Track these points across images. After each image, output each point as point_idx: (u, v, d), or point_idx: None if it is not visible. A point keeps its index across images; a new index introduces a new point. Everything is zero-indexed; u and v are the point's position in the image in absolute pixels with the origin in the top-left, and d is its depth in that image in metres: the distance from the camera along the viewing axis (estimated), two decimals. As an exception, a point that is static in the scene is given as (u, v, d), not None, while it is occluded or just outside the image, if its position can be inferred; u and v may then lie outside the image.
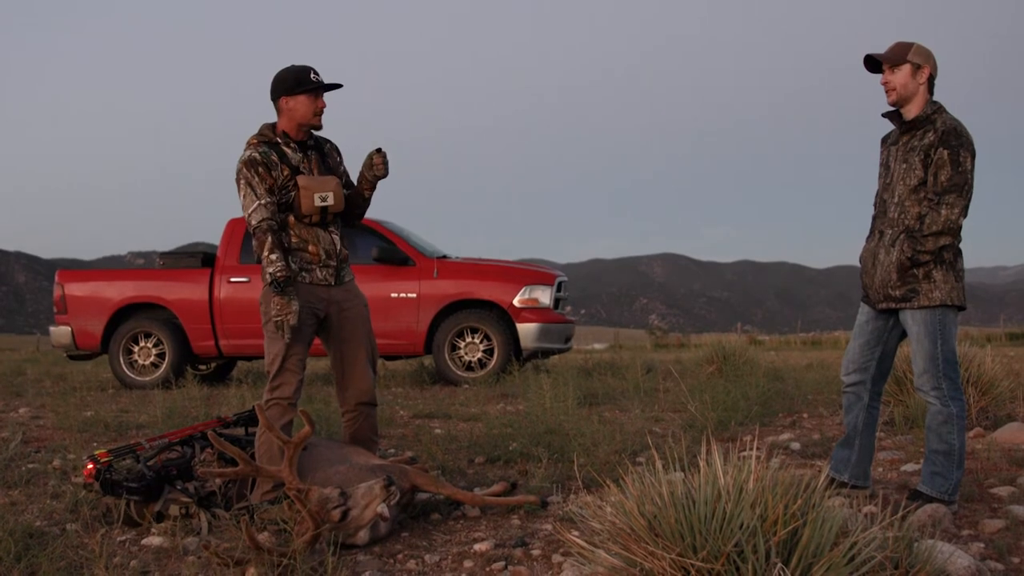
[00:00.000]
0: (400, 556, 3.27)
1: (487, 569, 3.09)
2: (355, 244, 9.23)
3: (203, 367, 10.79)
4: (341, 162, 4.22)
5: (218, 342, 9.77)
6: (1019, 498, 3.83)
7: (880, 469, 4.58)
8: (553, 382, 6.05)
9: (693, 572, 2.23)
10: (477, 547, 3.30)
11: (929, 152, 3.59)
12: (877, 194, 3.85)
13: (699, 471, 2.44)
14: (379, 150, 4.06)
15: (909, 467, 4.54)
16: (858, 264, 3.92)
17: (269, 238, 3.80)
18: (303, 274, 3.95)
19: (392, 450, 5.25)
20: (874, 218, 3.85)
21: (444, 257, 9.98)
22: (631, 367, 8.96)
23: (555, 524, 3.51)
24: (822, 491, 2.40)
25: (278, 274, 3.75)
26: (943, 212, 3.52)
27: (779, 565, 2.17)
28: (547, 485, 4.15)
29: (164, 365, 9.80)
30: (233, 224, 9.84)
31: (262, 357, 8.37)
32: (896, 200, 3.69)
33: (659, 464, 2.56)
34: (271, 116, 4.05)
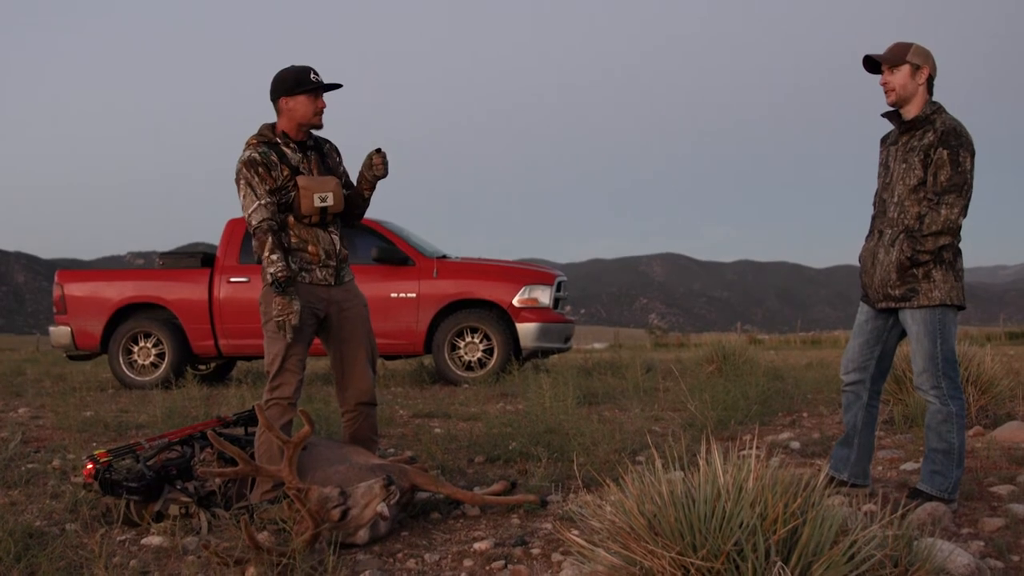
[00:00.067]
0: (400, 555, 3.27)
1: (487, 568, 3.09)
2: (355, 244, 9.23)
3: (203, 367, 10.79)
4: (340, 162, 4.22)
5: (218, 342, 9.78)
6: (1019, 496, 3.83)
7: (880, 468, 4.58)
8: (553, 381, 6.05)
9: (693, 571, 2.23)
10: (477, 546, 3.30)
11: (929, 152, 3.59)
12: (876, 194, 3.85)
13: (699, 470, 2.44)
14: (379, 150, 4.06)
15: (909, 466, 4.54)
16: (858, 264, 3.93)
17: (269, 238, 3.80)
18: (303, 274, 3.95)
19: (392, 449, 5.25)
20: (873, 218, 3.86)
21: (444, 257, 9.98)
22: (631, 366, 8.96)
23: (555, 523, 3.51)
24: (822, 490, 2.40)
25: (279, 274, 3.75)
26: (943, 212, 3.52)
27: (779, 564, 2.17)
28: (547, 484, 4.15)
29: (164, 365, 9.80)
30: (233, 224, 9.84)
31: (262, 357, 8.38)
32: (896, 200, 3.69)
33: (659, 463, 2.56)
34: (271, 116, 4.05)
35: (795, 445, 5.27)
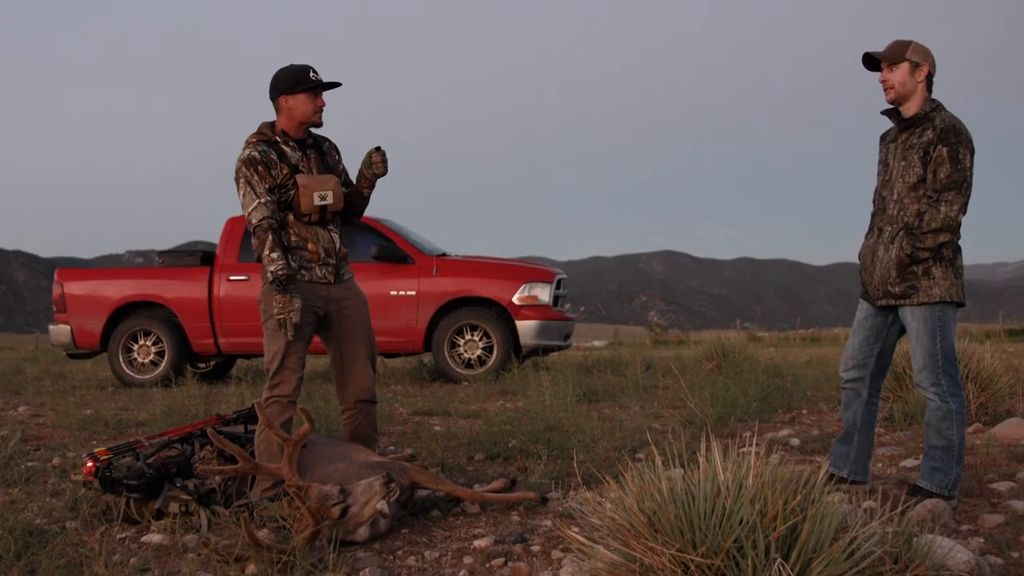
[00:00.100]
0: (400, 552, 3.27)
1: (487, 565, 3.09)
2: (354, 242, 9.23)
3: (202, 365, 10.79)
4: (340, 160, 4.22)
5: (217, 340, 9.78)
6: (1018, 493, 3.83)
7: (879, 465, 4.59)
8: (553, 379, 6.05)
9: (693, 568, 2.23)
10: (477, 543, 3.30)
11: (928, 149, 3.59)
12: (876, 191, 3.85)
13: (699, 467, 2.44)
14: (378, 148, 4.06)
15: (908, 463, 4.55)
16: (857, 261, 3.93)
17: (270, 237, 3.80)
18: (302, 272, 3.95)
19: (392, 447, 5.26)
20: (873, 215, 3.86)
21: (443, 255, 9.98)
22: (631, 364, 8.96)
23: (555, 520, 3.52)
24: (821, 487, 2.40)
25: (280, 272, 3.75)
26: (942, 209, 3.52)
27: (778, 560, 2.17)
28: (547, 481, 4.15)
29: (163, 363, 9.80)
30: (232, 223, 9.84)
31: (261, 355, 8.39)
32: (895, 197, 3.69)
33: (659, 460, 2.56)
34: (270, 115, 4.04)
35: (795, 442, 5.27)
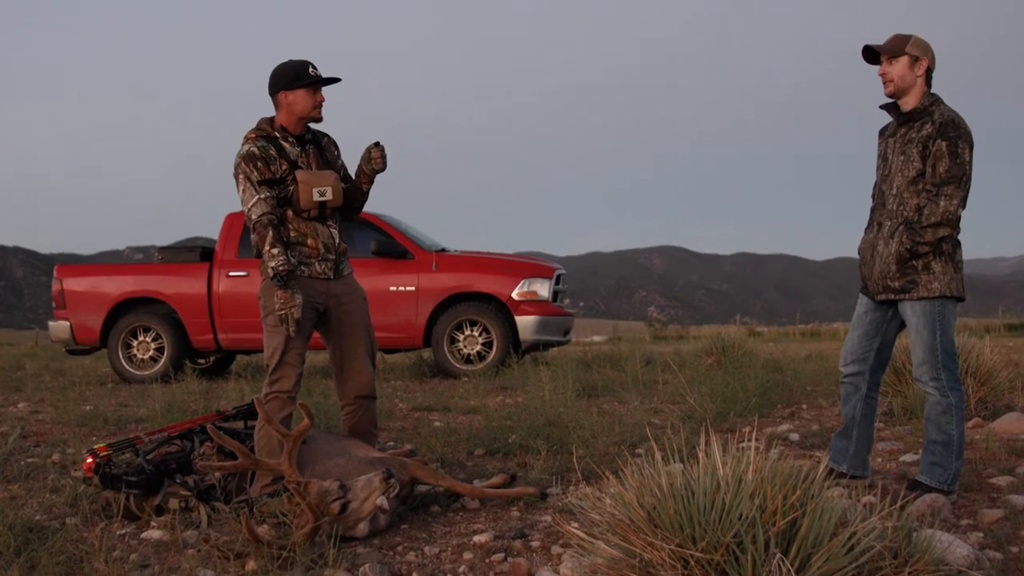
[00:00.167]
0: (400, 548, 3.27)
1: (486, 561, 3.09)
2: (353, 238, 9.22)
3: (202, 361, 10.79)
4: (339, 156, 4.21)
5: (217, 336, 9.78)
6: (1018, 488, 3.83)
7: (879, 459, 4.59)
8: (552, 374, 6.05)
9: (692, 563, 2.23)
10: (476, 539, 3.30)
11: (927, 144, 3.58)
12: (875, 186, 3.85)
13: (698, 462, 2.44)
14: (377, 144, 4.05)
15: (908, 457, 4.55)
16: (857, 256, 3.92)
17: (270, 232, 3.79)
18: (301, 268, 3.94)
19: (391, 443, 5.26)
20: (872, 210, 3.85)
21: (443, 250, 9.98)
22: (630, 359, 8.96)
23: (554, 516, 3.51)
24: (821, 481, 2.40)
25: (280, 268, 3.75)
26: (942, 203, 3.51)
27: (778, 555, 2.17)
28: (546, 477, 4.15)
29: (163, 359, 9.81)
30: (231, 218, 9.83)
31: (261, 351, 8.38)
32: (895, 192, 3.68)
33: (658, 455, 2.56)
34: (269, 111, 4.04)
35: (794, 437, 5.27)
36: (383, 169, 4.08)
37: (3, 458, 4.86)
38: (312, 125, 4.07)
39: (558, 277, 9.98)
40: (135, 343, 9.90)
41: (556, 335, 9.75)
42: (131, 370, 9.84)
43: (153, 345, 9.89)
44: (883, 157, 3.81)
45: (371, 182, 4.12)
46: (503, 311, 9.47)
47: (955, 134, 3.54)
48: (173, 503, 3.71)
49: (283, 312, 3.76)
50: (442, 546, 3.28)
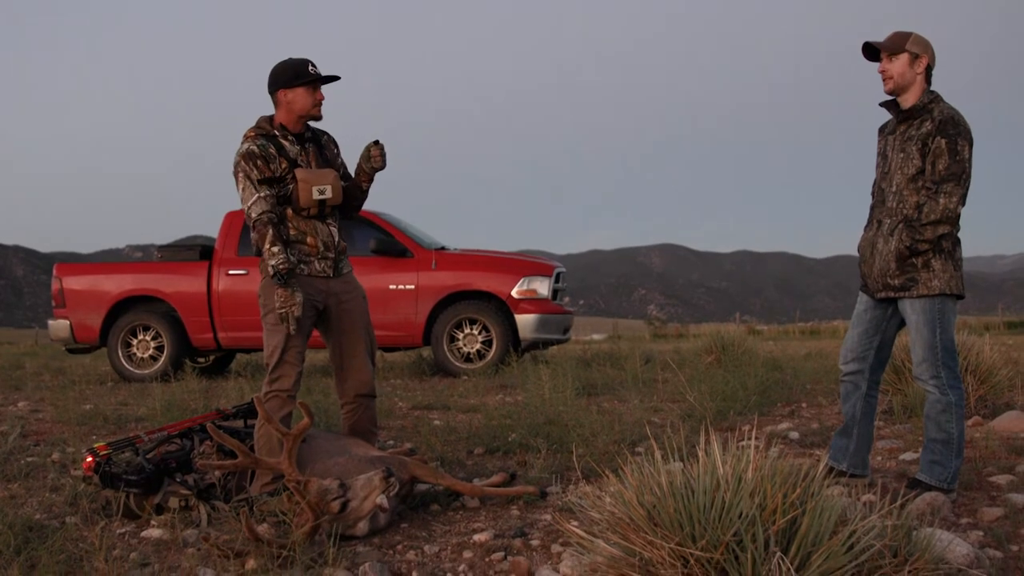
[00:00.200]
0: (399, 547, 3.27)
1: (486, 559, 3.09)
2: (353, 236, 9.22)
3: (202, 360, 10.79)
4: (338, 154, 4.21)
5: (216, 335, 9.77)
6: (1018, 486, 3.83)
7: (879, 458, 4.59)
8: (552, 373, 6.05)
9: (692, 561, 2.23)
10: (476, 537, 3.30)
11: (927, 141, 3.58)
12: (875, 183, 3.85)
13: (698, 461, 2.44)
14: (376, 142, 4.05)
15: (908, 456, 4.55)
16: (857, 254, 3.92)
17: (270, 231, 3.79)
18: (301, 266, 3.94)
19: (391, 441, 5.26)
20: (872, 207, 3.85)
21: (442, 248, 9.97)
22: (630, 358, 8.96)
23: (554, 514, 3.51)
24: (821, 480, 2.40)
25: (281, 266, 3.75)
26: (941, 201, 3.51)
27: (778, 554, 2.17)
28: (546, 476, 4.15)
29: (163, 358, 9.80)
30: (231, 217, 9.83)
31: (261, 350, 8.38)
32: (894, 189, 3.68)
33: (658, 454, 2.56)
34: (269, 109, 4.04)
35: (794, 435, 5.27)
36: (382, 167, 4.08)
37: (3, 457, 4.86)
38: (312, 123, 4.06)
39: (558, 275, 9.98)
40: (135, 342, 9.90)
41: (556, 333, 9.74)
42: (131, 369, 9.84)
43: (153, 344, 9.89)
44: (883, 155, 3.81)
45: (370, 180, 4.12)
46: (503, 309, 9.47)
47: (954, 131, 3.54)
48: (173, 502, 3.71)
49: (283, 310, 3.76)
50: (442, 545, 3.28)
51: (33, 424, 6.33)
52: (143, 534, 3.50)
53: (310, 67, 3.92)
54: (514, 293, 9.47)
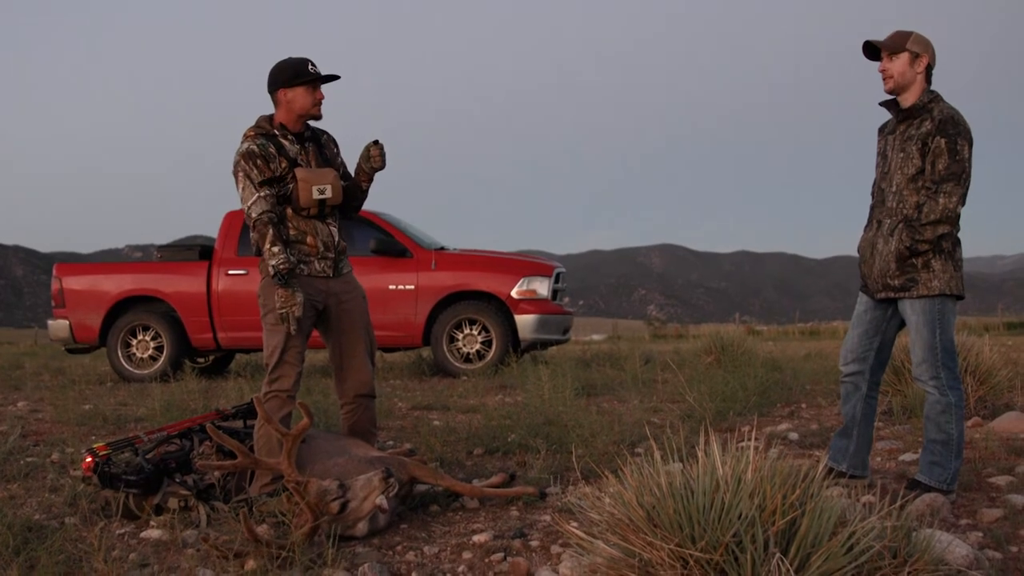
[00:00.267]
0: (399, 548, 3.27)
1: (486, 560, 3.09)
2: (353, 236, 9.21)
3: (201, 360, 10.79)
4: (338, 153, 4.21)
5: (216, 335, 9.77)
6: (1017, 487, 3.83)
7: (878, 459, 4.59)
8: (551, 373, 6.05)
9: (692, 562, 2.23)
10: (476, 538, 3.30)
11: (926, 141, 3.58)
12: (875, 183, 3.84)
13: (697, 462, 2.44)
14: (376, 142, 4.06)
15: (907, 456, 4.55)
16: (856, 254, 3.92)
17: (270, 231, 3.79)
18: (301, 266, 3.94)
19: (391, 442, 5.26)
20: (872, 207, 3.85)
21: (442, 249, 9.97)
22: (629, 358, 8.96)
23: (554, 515, 3.51)
24: (820, 481, 2.40)
25: (281, 266, 3.74)
26: (941, 201, 3.51)
27: (777, 555, 2.17)
28: (546, 476, 4.15)
29: (162, 358, 9.80)
30: (231, 217, 9.83)
31: (260, 350, 8.37)
32: (894, 189, 3.68)
33: (657, 455, 2.55)
34: (269, 108, 4.04)
35: (793, 436, 5.27)
36: (382, 167, 4.08)
37: (2, 457, 4.85)
38: (311, 123, 4.06)
39: (557, 275, 9.98)
40: (134, 342, 9.90)
41: (555, 334, 9.74)
42: (130, 369, 9.84)
43: (152, 344, 9.88)
44: (882, 154, 3.80)
45: (370, 180, 4.12)
46: (502, 310, 9.47)
47: (954, 131, 3.54)
48: (172, 502, 3.71)
49: (283, 310, 3.76)
50: (441, 546, 3.28)
51: (32, 424, 6.33)
52: (142, 535, 3.50)
53: (310, 66, 3.92)
54: (514, 293, 9.46)
